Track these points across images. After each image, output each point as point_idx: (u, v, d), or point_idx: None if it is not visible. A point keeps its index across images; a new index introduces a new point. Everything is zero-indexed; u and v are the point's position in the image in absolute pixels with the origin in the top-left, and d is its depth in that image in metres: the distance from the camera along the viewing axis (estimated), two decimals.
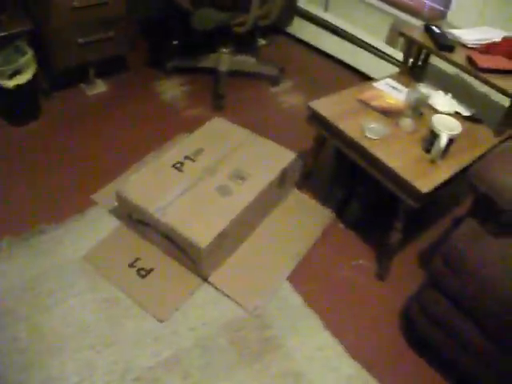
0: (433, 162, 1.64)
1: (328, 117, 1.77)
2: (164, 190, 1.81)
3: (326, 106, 1.82)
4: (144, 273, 1.78)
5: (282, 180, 1.95)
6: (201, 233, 1.67)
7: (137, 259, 1.83)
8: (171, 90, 2.63)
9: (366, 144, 1.68)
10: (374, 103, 1.86)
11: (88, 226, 1.93)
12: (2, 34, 2.17)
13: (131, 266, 1.81)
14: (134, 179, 1.87)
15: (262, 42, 2.99)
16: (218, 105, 2.50)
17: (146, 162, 2.16)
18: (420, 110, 1.76)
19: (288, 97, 2.67)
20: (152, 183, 1.84)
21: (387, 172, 1.63)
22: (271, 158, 1.97)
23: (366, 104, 1.86)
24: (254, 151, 1.99)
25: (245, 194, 1.81)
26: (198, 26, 2.24)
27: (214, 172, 1.89)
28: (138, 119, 2.44)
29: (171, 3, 2.38)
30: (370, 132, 1.71)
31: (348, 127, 1.73)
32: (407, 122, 1.77)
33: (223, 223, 1.71)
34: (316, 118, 1.83)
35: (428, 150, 1.66)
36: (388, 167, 1.62)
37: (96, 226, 1.93)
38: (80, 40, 2.28)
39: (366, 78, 2.71)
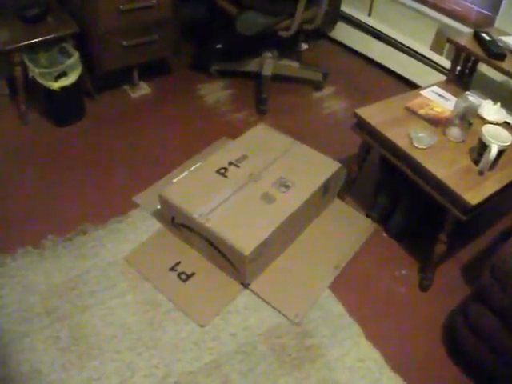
0: (481, 173, 1.60)
1: (375, 125, 1.74)
2: (208, 195, 1.81)
3: (372, 114, 1.79)
4: (185, 277, 1.78)
5: (326, 189, 1.94)
6: (244, 240, 1.67)
7: (178, 263, 1.83)
8: (214, 93, 2.64)
9: (413, 153, 1.64)
10: (421, 111, 1.82)
11: (130, 227, 1.95)
12: (49, 37, 2.21)
13: (172, 269, 1.81)
14: (178, 183, 1.87)
15: (304, 46, 2.98)
16: (261, 109, 2.50)
17: (189, 166, 2.16)
18: (468, 119, 1.72)
19: (331, 102, 2.64)
20: (196, 188, 1.85)
21: (435, 182, 1.59)
22: (315, 168, 1.95)
23: (413, 112, 1.82)
24: (298, 160, 1.98)
25: (289, 203, 1.80)
26: (242, 30, 2.24)
27: (258, 179, 1.88)
28: (180, 122, 2.45)
29: (215, 7, 2.39)
30: (417, 141, 1.68)
31: (395, 136, 1.70)
32: (455, 132, 1.73)
33: (267, 231, 1.70)
34: (362, 126, 1.80)
35: (477, 161, 1.62)
36: (436, 178, 1.58)
37: (138, 228, 1.94)
38: (125, 43, 2.31)
39: (409, 85, 2.67)
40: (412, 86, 2.64)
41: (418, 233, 1.97)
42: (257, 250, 1.66)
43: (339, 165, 1.97)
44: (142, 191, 2.08)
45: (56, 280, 1.77)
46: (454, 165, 1.63)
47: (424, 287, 1.79)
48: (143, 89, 2.60)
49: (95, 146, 2.29)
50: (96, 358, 1.57)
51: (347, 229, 1.99)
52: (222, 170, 1.91)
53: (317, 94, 2.69)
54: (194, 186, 1.85)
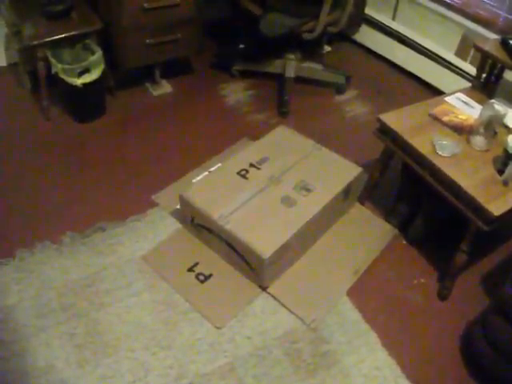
0: (505, 183, 1.57)
1: (398, 131, 1.72)
2: (228, 197, 1.80)
3: (396, 120, 1.77)
4: (203, 278, 1.78)
5: (346, 194, 1.92)
6: (264, 243, 1.66)
7: (196, 263, 1.82)
8: (236, 93, 2.63)
9: (436, 161, 1.62)
10: (446, 119, 1.79)
11: (148, 226, 1.95)
12: (73, 33, 2.22)
13: (190, 270, 1.81)
14: (199, 183, 1.87)
15: (327, 48, 2.96)
16: (282, 111, 2.48)
17: (208, 166, 2.16)
18: (493, 128, 1.69)
19: (353, 106, 2.62)
20: (216, 189, 1.84)
21: (458, 192, 1.57)
22: (337, 171, 1.94)
23: (436, 119, 1.80)
24: (319, 163, 1.97)
25: (309, 207, 1.79)
26: (265, 31, 2.23)
27: (279, 182, 1.87)
28: (201, 122, 2.45)
29: (239, 7, 2.38)
30: (441, 149, 1.65)
31: (418, 143, 1.68)
32: (479, 140, 1.70)
33: (286, 235, 1.69)
34: (385, 132, 1.78)
35: (501, 172, 1.60)
36: (459, 187, 1.56)
37: (156, 227, 1.94)
38: (148, 41, 2.31)
39: (433, 91, 2.63)
40: (435, 92, 2.60)
41: (439, 241, 1.94)
42: (276, 254, 1.65)
43: (360, 169, 1.95)
44: (161, 190, 2.08)
45: (73, 276, 1.78)
46: (477, 174, 1.61)
47: (442, 296, 1.77)
48: (165, 87, 2.60)
49: (115, 144, 2.30)
50: (111, 356, 1.58)
51: (367, 234, 1.97)
52: (243, 172, 1.90)
53: (339, 97, 2.67)
54: (214, 187, 1.85)
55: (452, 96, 1.94)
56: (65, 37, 2.19)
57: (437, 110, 1.83)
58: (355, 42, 3.03)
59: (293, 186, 1.85)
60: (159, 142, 2.32)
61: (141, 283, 1.77)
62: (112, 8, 2.23)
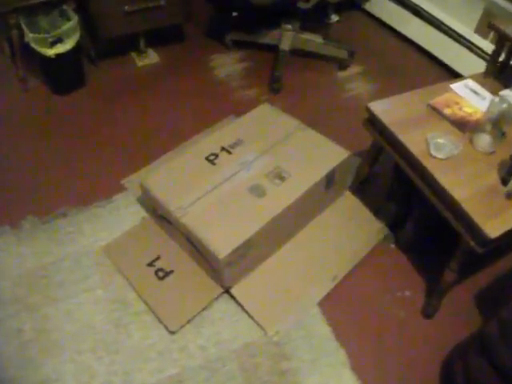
0: (508, 196, 1.33)
1: (388, 124, 1.49)
2: (190, 186, 1.62)
3: (387, 110, 1.54)
4: (162, 274, 1.62)
5: (330, 182, 1.70)
6: (222, 240, 1.48)
7: (157, 258, 1.67)
8: (227, 65, 2.41)
9: (428, 164, 1.39)
10: (447, 111, 1.55)
11: (112, 213, 1.80)
12: None
13: (150, 264, 1.65)
14: (162, 170, 1.69)
15: (334, 18, 2.68)
16: (274, 87, 2.26)
17: (186, 147, 1.98)
18: (502, 126, 1.44)
19: (355, 84, 2.37)
20: (179, 176, 1.66)
21: (450, 203, 1.34)
22: (319, 156, 1.72)
23: (436, 111, 1.56)
24: (300, 146, 1.75)
25: (281, 198, 1.59)
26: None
27: (250, 168, 1.67)
28: (187, 96, 2.25)
29: None
30: (435, 149, 1.42)
31: (410, 139, 1.45)
32: (484, 140, 1.46)
33: (250, 230, 1.50)
34: (374, 123, 1.55)
35: (505, 181, 1.35)
36: (452, 198, 1.32)
37: (120, 215, 1.79)
38: (127, 8, 2.10)
39: (448, 71, 2.36)
40: (451, 72, 2.33)
41: (429, 249, 1.72)
42: (235, 253, 1.47)
43: (348, 153, 1.72)
44: (132, 173, 1.92)
45: (29, 265, 1.66)
46: (476, 182, 1.37)
47: (427, 314, 1.57)
48: (151, 57, 2.40)
49: (92, 119, 2.13)
50: (56, 357, 1.46)
51: (353, 232, 1.76)
52: (212, 157, 1.71)
53: (341, 74, 2.42)
54: (177, 175, 1.67)
55: (460, 83, 1.68)
56: (38, 2, 2.00)
57: (438, 100, 1.59)
58: (367, 12, 2.74)
59: (265, 174, 1.65)
60: (139, 119, 2.14)
61: (97, 277, 1.64)
62: None
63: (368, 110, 1.55)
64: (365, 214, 1.82)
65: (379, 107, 1.54)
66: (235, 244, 1.46)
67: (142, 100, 2.21)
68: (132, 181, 1.89)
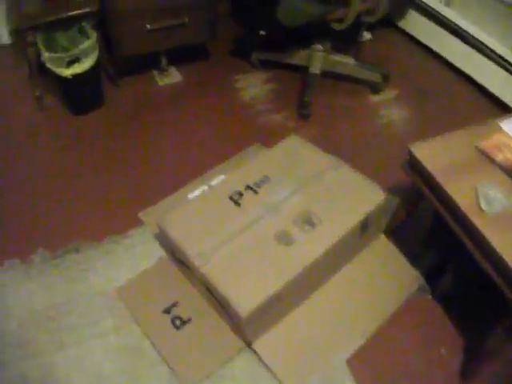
0: None
1: (431, 170, 1.35)
2: (212, 229, 1.49)
3: (431, 154, 1.39)
4: (179, 323, 1.50)
5: (364, 227, 1.56)
6: (245, 296, 1.34)
7: (174, 304, 1.54)
8: (253, 87, 2.28)
9: (477, 220, 1.24)
10: (498, 156, 1.39)
11: (128, 251, 1.68)
12: (64, 15, 1.93)
13: (167, 311, 1.53)
14: (181, 209, 1.57)
15: (366, 36, 2.53)
16: (303, 113, 2.12)
17: (210, 178, 1.84)
18: None
19: (389, 110, 2.21)
20: (200, 217, 1.53)
21: (502, 268, 1.19)
22: (353, 198, 1.57)
23: (486, 156, 1.40)
24: (332, 187, 1.60)
25: (311, 247, 1.45)
26: (283, 19, 1.85)
27: (277, 211, 1.53)
28: (209, 120, 2.13)
29: None
30: (486, 202, 1.27)
31: (456, 190, 1.30)
32: None
33: (275, 285, 1.37)
34: (415, 167, 1.41)
35: None
36: (505, 263, 1.17)
37: (136, 253, 1.68)
38: (149, 26, 1.99)
39: (493, 100, 2.18)
40: (497, 102, 2.16)
41: (470, 304, 1.57)
42: (259, 310, 1.34)
43: (385, 195, 1.57)
44: (150, 206, 1.80)
45: (38, 305, 1.55)
46: None
47: (464, 378, 1.42)
48: (173, 76, 2.29)
49: (109, 143, 2.02)
50: None
51: (386, 280, 1.62)
52: (236, 196, 1.58)
53: (374, 98, 2.27)
54: (198, 215, 1.54)
55: (511, 120, 1.53)
56: (56, 19, 1.90)
57: (487, 143, 1.43)
58: (401, 30, 2.58)
59: (293, 218, 1.51)
60: (158, 143, 2.02)
61: (109, 322, 1.52)
62: None
63: (409, 152, 1.40)
64: (400, 260, 1.67)
65: (422, 150, 1.40)
66: (259, 300, 1.33)
67: (163, 123, 2.10)
68: (149, 214, 1.78)
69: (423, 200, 1.52)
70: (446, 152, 1.41)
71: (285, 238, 1.47)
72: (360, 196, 1.58)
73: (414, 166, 1.41)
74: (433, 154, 1.40)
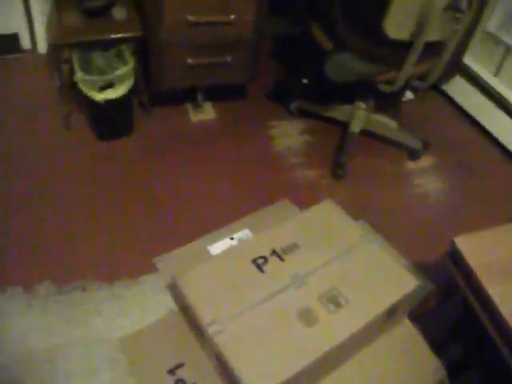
0: None
1: (475, 267, 1.25)
2: (231, 295, 1.39)
3: (476, 249, 1.30)
4: None
5: (391, 313, 1.46)
6: (258, 376, 1.24)
7: (180, 365, 1.43)
8: (288, 136, 2.20)
9: None
10: None
11: (136, 298, 1.59)
12: (110, 36, 1.88)
13: (171, 372, 1.42)
14: (200, 267, 1.47)
15: (409, 96, 2.45)
16: (337, 173, 2.03)
17: (233, 230, 1.76)
18: None
19: (425, 179, 2.11)
20: (220, 280, 1.43)
21: None
22: (383, 281, 1.47)
23: None
24: (362, 265, 1.51)
25: (334, 331, 1.34)
26: (331, 74, 1.79)
27: (303, 285, 1.44)
28: (239, 165, 2.05)
29: (310, 35, 1.93)
30: None
31: (502, 296, 1.20)
32: None
33: (292, 368, 1.26)
34: (457, 261, 1.31)
35: None
36: None
37: (146, 302, 1.58)
38: (190, 61, 1.92)
39: None
40: None
41: None
42: None
43: (417, 283, 1.47)
44: (166, 252, 1.70)
45: (35, 344, 1.45)
46: None
47: None
48: (207, 112, 2.21)
49: (133, 174, 1.94)
50: None
51: (406, 370, 1.49)
52: (261, 261, 1.48)
53: (411, 165, 2.17)
54: (218, 277, 1.44)
55: None
56: (94, 40, 1.85)
57: None
58: (444, 94, 2.50)
59: (319, 295, 1.41)
60: (183, 183, 1.94)
61: (106, 375, 1.42)
62: (151, 14, 1.86)
63: (452, 243, 1.31)
64: (422, 349, 1.55)
65: (466, 243, 1.30)
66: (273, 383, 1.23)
67: (191, 161, 2.02)
68: (165, 261, 1.68)
69: (458, 293, 1.42)
70: (494, 249, 1.31)
71: (307, 317, 1.37)
72: (391, 280, 1.48)
73: (456, 258, 1.32)
74: (479, 249, 1.30)
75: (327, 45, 1.84)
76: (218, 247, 1.70)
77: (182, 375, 1.42)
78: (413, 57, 1.74)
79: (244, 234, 1.73)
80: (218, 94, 2.25)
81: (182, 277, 1.44)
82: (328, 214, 1.65)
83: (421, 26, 1.64)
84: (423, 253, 1.64)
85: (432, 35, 1.68)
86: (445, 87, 2.50)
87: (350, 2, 1.78)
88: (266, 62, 2.34)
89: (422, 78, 1.93)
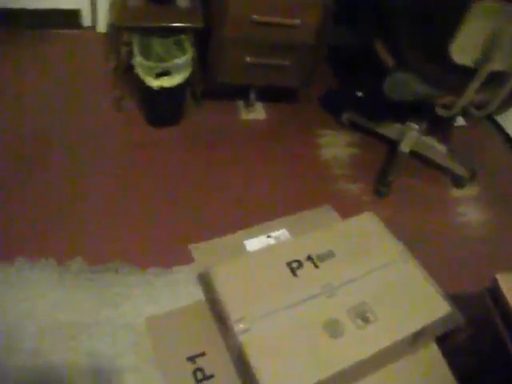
0: None
1: None
2: (261, 295, 1.40)
3: None
4: (201, 377, 1.40)
5: (417, 337, 1.44)
6: (277, 381, 1.24)
7: (201, 354, 1.44)
8: (335, 147, 2.19)
9: None
10: None
11: (168, 287, 1.59)
12: (172, 24, 1.89)
13: (191, 359, 1.43)
14: (234, 263, 1.48)
15: (460, 121, 2.41)
16: (381, 191, 2.01)
17: (271, 228, 1.76)
18: None
19: (468, 208, 2.08)
20: (252, 278, 1.44)
21: None
22: (415, 303, 1.46)
23: None
24: (396, 283, 1.49)
25: (358, 347, 1.33)
26: (388, 91, 1.77)
27: (334, 295, 1.43)
28: (284, 168, 2.05)
29: (371, 51, 1.92)
30: None
31: None
32: None
33: (312, 378, 1.26)
34: (496, 299, 1.28)
35: None
36: None
37: (176, 292, 1.58)
38: (248, 59, 1.93)
39: None
40: None
41: None
42: None
43: (448, 309, 1.45)
44: (203, 240, 1.71)
45: (62, 317, 1.47)
46: None
47: None
48: (258, 112, 2.22)
49: (178, 163, 1.96)
50: None
51: None
52: (295, 264, 1.48)
53: (455, 192, 2.13)
54: (251, 275, 1.45)
55: None
56: (154, 26, 1.87)
57: None
58: (496, 123, 2.45)
59: (348, 308, 1.40)
60: (226, 178, 1.95)
61: (130, 359, 1.43)
62: (215, 9, 1.88)
63: (494, 281, 1.28)
64: (446, 376, 1.53)
65: (509, 283, 1.27)
66: None
67: (236, 157, 2.04)
68: (200, 249, 1.69)
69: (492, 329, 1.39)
70: None
71: (334, 328, 1.36)
72: (423, 302, 1.47)
73: (496, 295, 1.28)
74: None
75: (389, 62, 1.83)
76: (255, 243, 1.71)
77: (201, 364, 1.43)
78: (475, 84, 1.71)
79: (282, 233, 1.73)
80: (270, 94, 2.25)
81: (214, 268, 1.45)
82: (369, 227, 1.63)
83: (488, 54, 1.61)
84: (457, 283, 1.60)
85: (498, 65, 1.65)
86: (499, 118, 2.45)
87: (418, 23, 1.76)
88: (321, 69, 2.32)
89: (478, 106, 1.89)
